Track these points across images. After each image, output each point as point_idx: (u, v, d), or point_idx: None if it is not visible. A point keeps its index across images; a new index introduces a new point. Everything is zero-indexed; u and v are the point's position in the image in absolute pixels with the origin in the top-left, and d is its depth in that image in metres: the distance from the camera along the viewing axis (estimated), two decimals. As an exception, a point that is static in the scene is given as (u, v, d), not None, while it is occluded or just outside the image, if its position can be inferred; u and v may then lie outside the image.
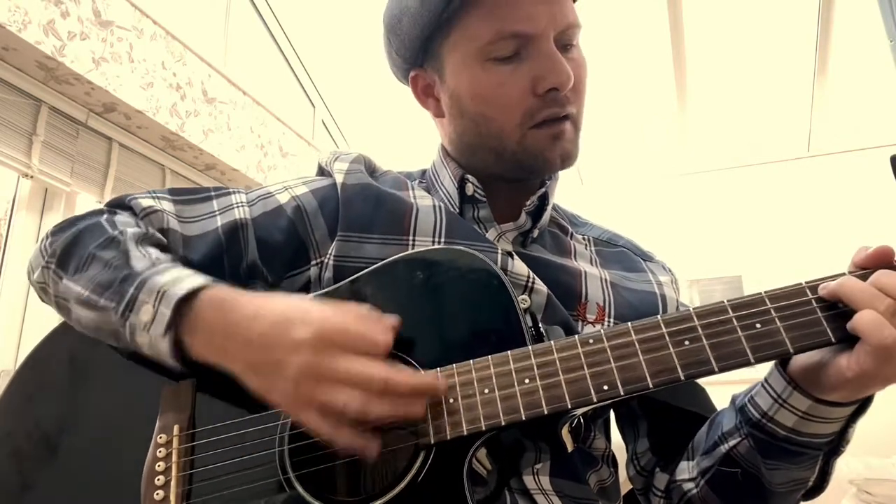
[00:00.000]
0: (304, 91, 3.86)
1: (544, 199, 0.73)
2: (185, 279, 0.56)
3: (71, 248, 0.62)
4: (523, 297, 0.64)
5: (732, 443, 0.60)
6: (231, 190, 0.73)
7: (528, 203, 0.71)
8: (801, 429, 0.54)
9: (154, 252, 0.61)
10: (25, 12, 1.95)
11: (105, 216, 0.66)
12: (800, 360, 0.53)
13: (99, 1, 2.25)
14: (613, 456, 0.73)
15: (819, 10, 3.21)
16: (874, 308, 0.46)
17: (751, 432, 0.58)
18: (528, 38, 0.63)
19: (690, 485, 0.65)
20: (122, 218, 0.66)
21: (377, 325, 0.52)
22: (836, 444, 0.56)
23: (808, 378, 0.52)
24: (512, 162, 0.68)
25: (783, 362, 0.55)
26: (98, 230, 0.63)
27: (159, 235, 0.66)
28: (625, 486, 0.75)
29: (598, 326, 0.68)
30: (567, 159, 0.68)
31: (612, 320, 0.69)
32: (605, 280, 0.72)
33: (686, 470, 0.66)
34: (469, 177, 0.72)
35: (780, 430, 0.55)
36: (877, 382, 0.48)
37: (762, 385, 0.57)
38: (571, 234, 0.79)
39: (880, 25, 2.19)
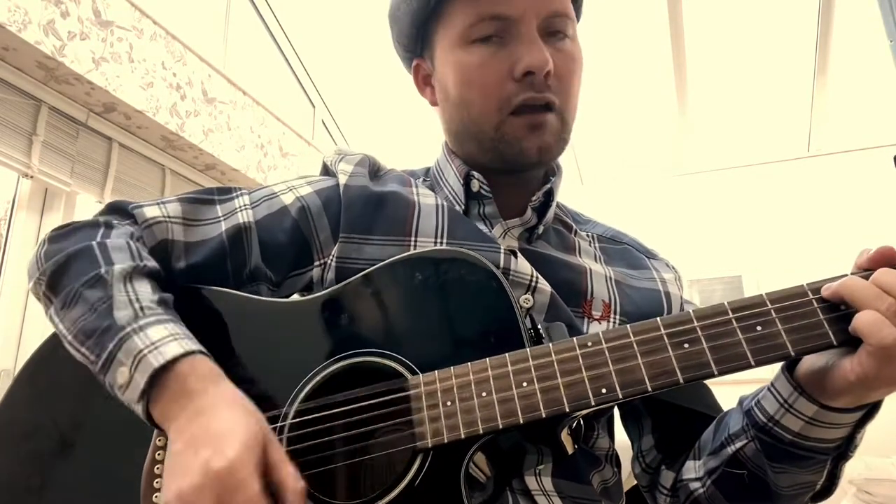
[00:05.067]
0: (304, 91, 3.86)
1: (549, 196, 0.73)
2: (163, 344, 0.53)
3: (60, 275, 0.59)
4: (526, 296, 0.64)
5: (739, 445, 0.59)
6: (234, 193, 0.72)
7: (534, 199, 0.72)
8: (807, 434, 0.53)
9: (143, 293, 0.57)
10: (25, 12, 1.95)
11: (100, 235, 0.62)
12: (806, 365, 0.53)
13: (99, 1, 2.25)
14: (617, 455, 0.73)
15: (819, 10, 3.20)
16: (875, 308, 0.46)
17: (757, 435, 0.57)
18: (508, 21, 0.65)
19: (697, 484, 0.65)
20: (117, 237, 0.62)
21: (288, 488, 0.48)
22: (844, 449, 0.55)
23: (814, 383, 0.52)
24: (491, 151, 0.68)
25: (790, 367, 0.54)
26: (88, 258, 0.59)
27: (151, 264, 0.61)
28: (627, 483, 0.75)
29: (603, 323, 0.68)
30: (546, 152, 0.67)
31: (617, 317, 0.69)
32: (610, 278, 0.72)
33: (693, 469, 0.66)
34: (475, 173, 0.71)
35: (786, 434, 0.54)
36: (880, 385, 0.48)
37: (769, 389, 0.57)
38: (575, 232, 0.79)
39: (880, 25, 2.19)
